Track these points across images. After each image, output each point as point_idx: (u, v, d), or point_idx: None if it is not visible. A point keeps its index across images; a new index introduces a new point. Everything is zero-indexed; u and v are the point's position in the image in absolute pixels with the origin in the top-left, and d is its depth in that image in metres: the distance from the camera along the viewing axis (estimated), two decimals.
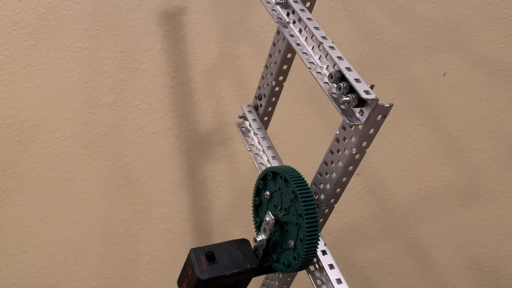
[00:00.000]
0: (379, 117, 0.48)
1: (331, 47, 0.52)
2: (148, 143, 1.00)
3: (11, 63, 0.93)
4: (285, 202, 0.55)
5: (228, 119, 1.01)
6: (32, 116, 0.96)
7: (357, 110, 0.48)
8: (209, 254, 0.58)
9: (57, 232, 1.05)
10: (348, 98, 0.48)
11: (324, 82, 0.51)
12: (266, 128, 0.76)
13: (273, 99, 0.73)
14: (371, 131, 0.49)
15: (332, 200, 0.56)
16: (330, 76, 0.50)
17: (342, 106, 0.49)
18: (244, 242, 0.60)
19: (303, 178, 0.54)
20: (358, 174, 1.07)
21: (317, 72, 0.53)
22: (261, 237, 0.59)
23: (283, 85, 0.71)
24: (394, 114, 1.03)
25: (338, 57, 0.51)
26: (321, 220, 0.57)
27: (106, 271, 1.09)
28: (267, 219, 0.57)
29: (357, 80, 0.48)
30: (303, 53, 0.55)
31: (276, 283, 0.66)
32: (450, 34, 0.99)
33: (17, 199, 1.02)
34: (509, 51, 1.00)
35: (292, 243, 0.54)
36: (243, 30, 0.96)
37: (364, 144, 0.50)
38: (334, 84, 0.50)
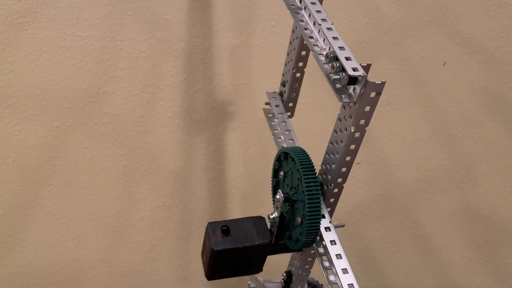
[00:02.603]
0: (373, 94, 0.49)
1: (329, 28, 0.55)
2: (148, 132, 1.02)
3: (11, 52, 0.93)
4: (294, 181, 0.60)
5: (228, 108, 1.02)
6: (32, 105, 0.97)
7: (351, 88, 0.51)
8: (225, 228, 0.62)
9: (57, 221, 1.07)
10: (338, 76, 0.50)
11: (324, 63, 0.54)
12: (292, 113, 0.79)
13: (296, 85, 0.76)
14: (367, 108, 0.51)
15: (340, 179, 0.59)
16: (326, 56, 0.53)
17: (337, 85, 0.51)
18: (260, 219, 0.65)
19: (308, 157, 0.58)
20: (358, 163, 1.08)
21: (319, 54, 0.55)
22: (274, 214, 0.63)
23: (304, 71, 0.74)
24: (395, 103, 1.05)
25: (333, 37, 0.54)
26: (332, 199, 0.60)
27: (107, 260, 1.11)
28: (277, 197, 0.62)
29: (347, 58, 0.50)
30: (309, 37, 0.58)
31: (298, 263, 0.69)
32: (451, 23, 1.00)
33: (17, 188, 1.03)
34: (509, 40, 1.01)
35: (299, 219, 0.58)
36: (243, 19, 0.96)
37: (362, 122, 0.53)
38: (330, 64, 0.52)
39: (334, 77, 0.51)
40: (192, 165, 1.06)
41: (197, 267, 1.15)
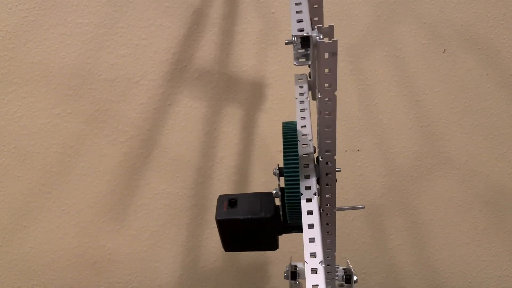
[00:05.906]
0: (327, 55, 0.48)
1: None
2: (149, 119, 1.03)
3: (12, 39, 0.95)
4: None
5: (228, 96, 1.03)
6: (33, 92, 0.98)
7: (308, 50, 0.49)
8: (233, 200, 0.65)
9: (57, 208, 1.08)
10: (288, 40, 0.49)
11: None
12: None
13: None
14: (326, 70, 0.50)
15: (328, 152, 0.58)
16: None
17: (299, 50, 0.49)
18: (268, 194, 0.66)
19: (294, 131, 0.57)
20: (358, 150, 1.10)
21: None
22: (276, 189, 0.63)
23: None
24: (395, 90, 1.05)
25: (296, 3, 0.52)
26: (328, 174, 0.60)
27: (107, 247, 1.13)
28: (274, 171, 0.62)
29: (299, 20, 0.49)
30: (296, 3, 0.55)
31: None
32: (450, 10, 1.00)
33: (17, 174, 1.05)
34: (509, 27, 1.01)
35: None
36: (243, 6, 0.98)
37: (326, 85, 0.51)
38: None
39: (286, 40, 0.50)
40: (192, 152, 1.08)
41: (198, 253, 1.17)
